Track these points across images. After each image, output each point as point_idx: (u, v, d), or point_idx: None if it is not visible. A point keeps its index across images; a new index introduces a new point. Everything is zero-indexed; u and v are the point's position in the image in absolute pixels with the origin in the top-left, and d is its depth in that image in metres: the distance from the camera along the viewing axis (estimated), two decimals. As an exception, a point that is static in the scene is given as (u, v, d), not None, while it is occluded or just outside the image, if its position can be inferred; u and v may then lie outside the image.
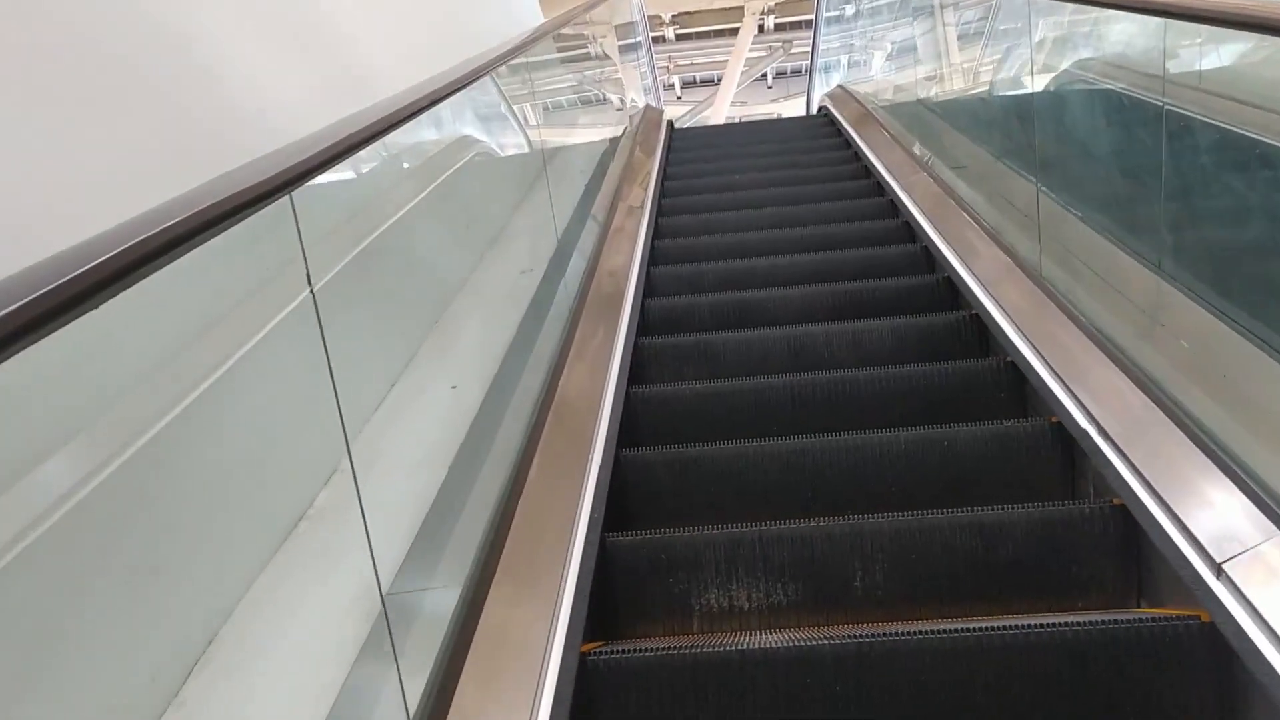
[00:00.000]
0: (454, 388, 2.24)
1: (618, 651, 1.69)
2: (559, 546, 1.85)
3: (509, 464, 2.09)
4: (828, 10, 8.97)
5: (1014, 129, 3.59)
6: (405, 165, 2.80)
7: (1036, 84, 3.35)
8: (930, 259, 3.54)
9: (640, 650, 1.69)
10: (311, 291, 1.36)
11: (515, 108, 3.77)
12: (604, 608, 1.90)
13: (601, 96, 6.89)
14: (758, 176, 5.31)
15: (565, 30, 5.07)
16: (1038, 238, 2.90)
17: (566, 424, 2.30)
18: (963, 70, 4.81)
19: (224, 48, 2.72)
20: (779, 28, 16.07)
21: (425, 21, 5.01)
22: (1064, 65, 3.22)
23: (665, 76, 17.16)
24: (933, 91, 5.25)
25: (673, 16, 15.54)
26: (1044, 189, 2.93)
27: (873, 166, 4.94)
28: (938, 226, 3.63)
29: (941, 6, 5.20)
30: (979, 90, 4.47)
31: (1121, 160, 2.73)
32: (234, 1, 2.91)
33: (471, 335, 2.63)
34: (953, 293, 3.20)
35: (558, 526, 1.92)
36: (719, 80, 16.33)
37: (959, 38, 4.91)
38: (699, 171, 5.72)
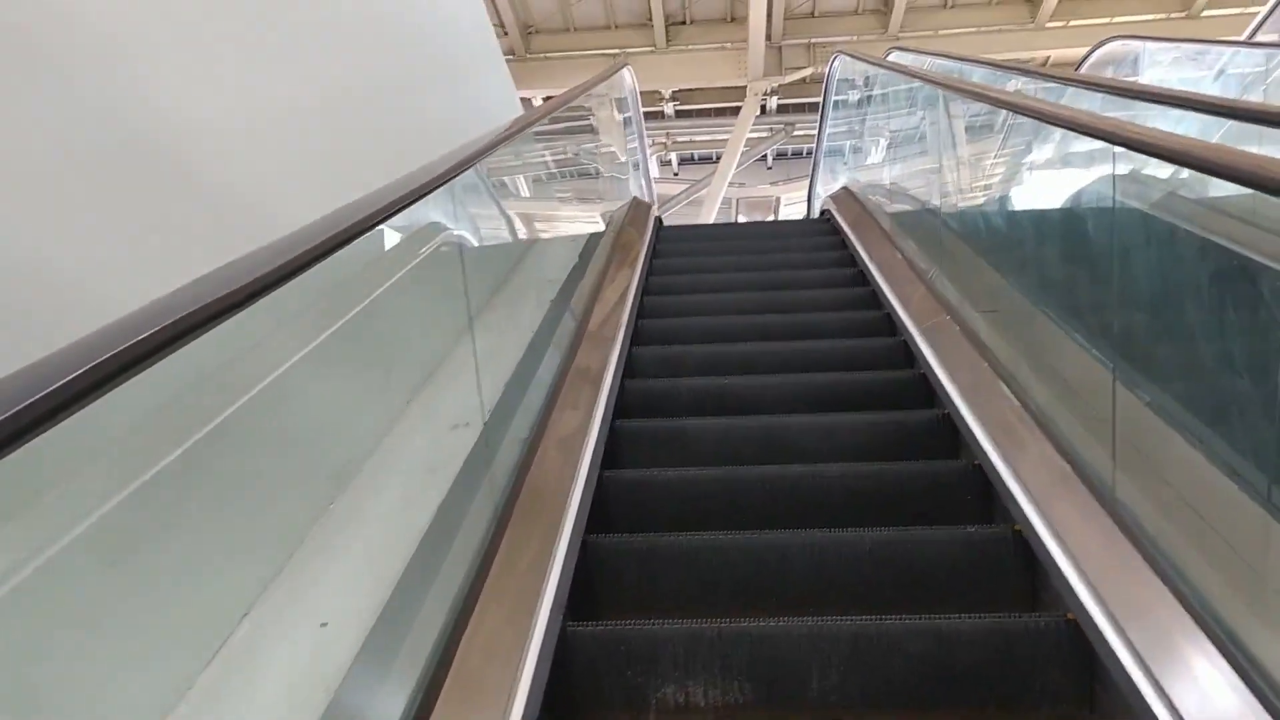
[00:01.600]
0: (324, 625, 1.74)
1: (569, 745, 1.70)
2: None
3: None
4: (836, 94, 7.98)
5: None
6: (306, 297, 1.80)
7: (1119, 233, 2.30)
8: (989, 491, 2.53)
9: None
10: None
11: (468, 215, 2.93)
12: (562, 695, 1.91)
13: (585, 186, 6.36)
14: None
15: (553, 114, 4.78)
16: (1112, 454, 2.14)
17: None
18: (1014, 188, 3.85)
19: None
20: (782, 109, 16.24)
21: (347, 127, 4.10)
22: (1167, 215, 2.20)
23: (662, 153, 17.37)
24: (982, 213, 3.97)
25: (673, 93, 15.75)
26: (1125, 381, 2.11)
27: (889, 306, 4.01)
28: (993, 436, 2.58)
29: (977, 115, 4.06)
30: (1037, 219, 3.35)
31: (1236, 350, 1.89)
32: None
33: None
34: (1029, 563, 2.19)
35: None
36: (718, 159, 16.47)
37: (1014, 150, 3.78)
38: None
